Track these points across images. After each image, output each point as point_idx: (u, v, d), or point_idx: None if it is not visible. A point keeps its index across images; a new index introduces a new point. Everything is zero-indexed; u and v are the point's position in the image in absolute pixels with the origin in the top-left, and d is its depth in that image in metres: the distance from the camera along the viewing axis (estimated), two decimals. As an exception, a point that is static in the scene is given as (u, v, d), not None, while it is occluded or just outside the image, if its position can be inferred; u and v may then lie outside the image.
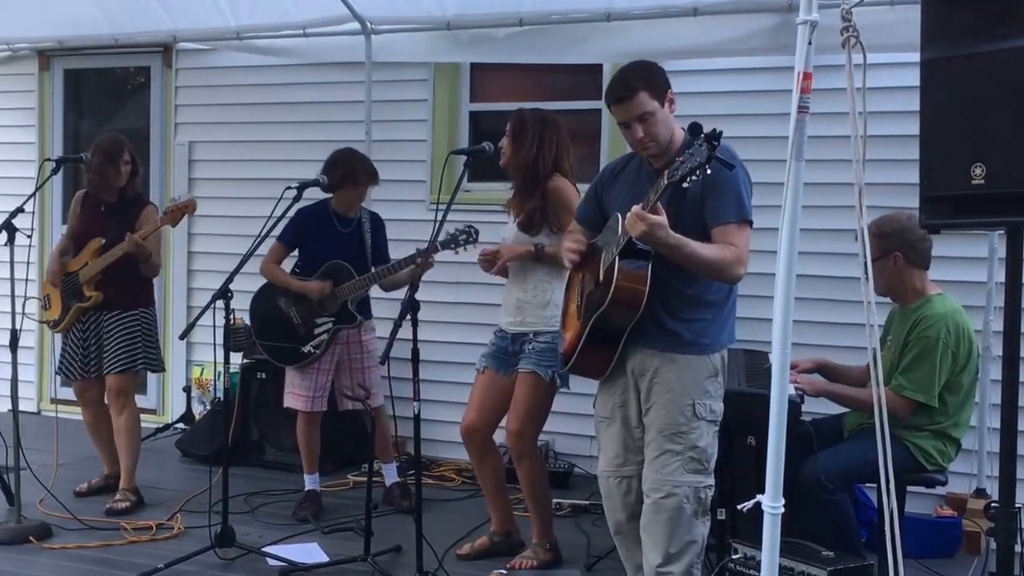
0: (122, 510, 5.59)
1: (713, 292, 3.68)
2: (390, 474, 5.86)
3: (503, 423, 4.86)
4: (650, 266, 3.55)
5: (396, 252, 5.56)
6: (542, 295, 4.74)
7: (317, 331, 5.39)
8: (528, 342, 4.75)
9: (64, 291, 5.74)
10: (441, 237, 4.86)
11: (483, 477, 5.03)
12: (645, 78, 3.65)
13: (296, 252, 5.70)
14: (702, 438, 3.66)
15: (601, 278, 3.69)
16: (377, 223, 5.65)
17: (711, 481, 3.70)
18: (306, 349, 5.41)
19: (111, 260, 5.56)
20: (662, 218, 3.36)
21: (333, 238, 5.45)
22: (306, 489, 5.75)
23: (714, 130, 3.23)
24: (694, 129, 3.32)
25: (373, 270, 5.49)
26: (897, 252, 4.43)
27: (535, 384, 4.71)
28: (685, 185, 3.30)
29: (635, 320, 3.61)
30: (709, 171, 3.25)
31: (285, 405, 5.75)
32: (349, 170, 5.45)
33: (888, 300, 4.63)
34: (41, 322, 6.07)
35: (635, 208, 3.40)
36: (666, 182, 3.34)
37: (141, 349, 5.73)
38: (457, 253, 5.15)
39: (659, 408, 3.68)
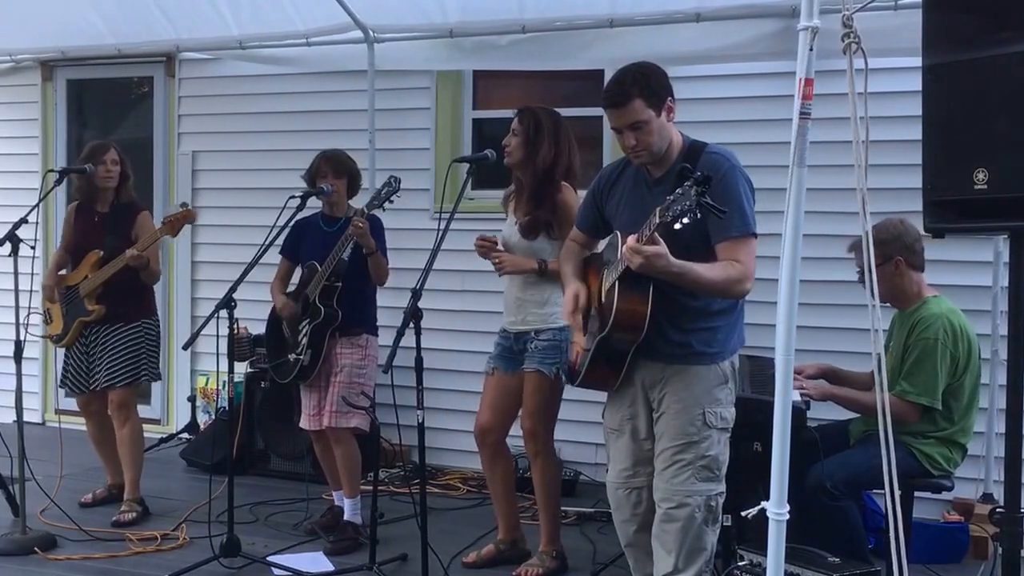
0: (128, 521, 5.59)
1: (719, 302, 3.65)
2: (348, 510, 5.42)
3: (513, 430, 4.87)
4: (651, 288, 3.50)
5: (399, 261, 5.55)
6: (541, 294, 4.74)
7: (300, 337, 5.34)
8: (530, 340, 4.76)
9: (65, 305, 5.74)
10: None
11: (493, 482, 5.03)
12: (642, 85, 3.55)
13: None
14: (713, 447, 3.65)
15: (603, 299, 3.67)
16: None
17: (722, 488, 3.69)
18: (292, 357, 5.35)
19: (111, 272, 5.55)
20: (658, 248, 3.27)
21: (317, 239, 5.37)
22: (333, 505, 5.64)
23: (702, 175, 3.13)
24: (683, 173, 3.22)
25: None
26: (899, 257, 4.45)
27: (540, 382, 4.72)
28: (677, 227, 3.18)
29: (639, 341, 3.58)
30: (700, 216, 3.15)
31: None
32: (309, 173, 5.44)
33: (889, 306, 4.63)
34: (44, 337, 6.06)
35: (630, 242, 3.32)
36: (658, 221, 3.23)
37: (145, 361, 5.74)
38: (384, 210, 5.07)
39: (669, 418, 3.67)
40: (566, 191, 4.69)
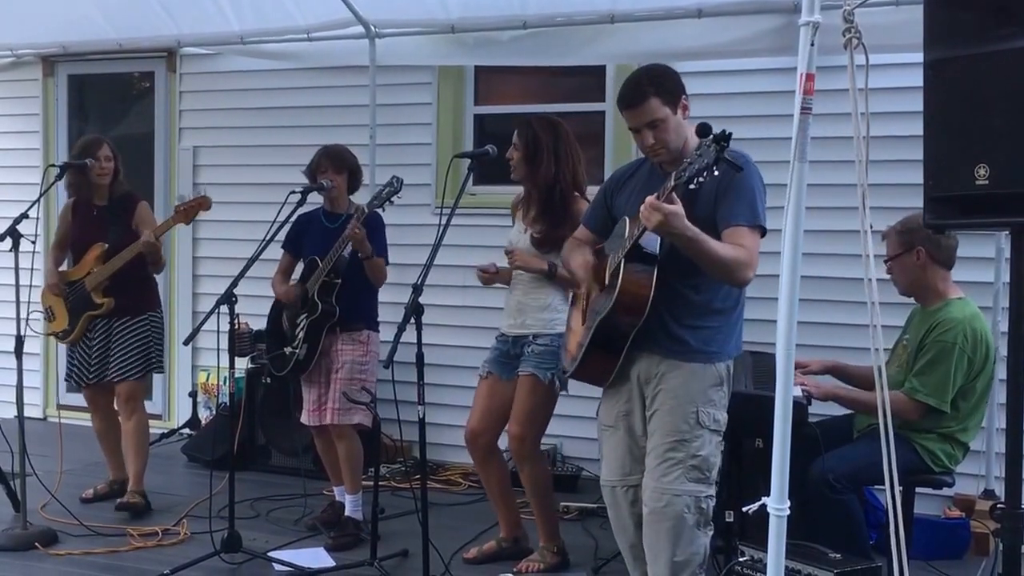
0: (134, 503, 5.62)
1: (721, 299, 3.64)
2: (349, 506, 5.41)
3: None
4: (655, 270, 3.52)
5: (400, 256, 5.55)
6: (543, 298, 4.73)
7: (296, 331, 5.34)
8: (528, 344, 4.75)
9: (69, 301, 5.73)
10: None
11: (488, 484, 5.02)
12: (657, 84, 3.59)
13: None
14: (704, 447, 3.62)
15: (607, 281, 3.67)
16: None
17: (712, 491, 3.66)
18: (287, 350, 5.33)
19: (122, 263, 5.55)
20: (678, 207, 3.28)
21: (319, 235, 5.35)
22: (334, 500, 5.63)
23: (723, 131, 3.14)
24: (703, 130, 3.23)
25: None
26: (920, 247, 4.39)
27: (534, 387, 4.70)
28: (692, 186, 3.23)
29: (639, 325, 3.57)
30: (717, 172, 3.17)
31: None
32: (309, 168, 5.42)
33: (904, 301, 4.62)
34: (48, 335, 6.05)
35: (649, 199, 3.30)
36: (673, 183, 3.28)
37: (154, 353, 5.76)
38: (384, 211, 5.07)
39: (662, 415, 3.65)
40: (578, 203, 4.66)
